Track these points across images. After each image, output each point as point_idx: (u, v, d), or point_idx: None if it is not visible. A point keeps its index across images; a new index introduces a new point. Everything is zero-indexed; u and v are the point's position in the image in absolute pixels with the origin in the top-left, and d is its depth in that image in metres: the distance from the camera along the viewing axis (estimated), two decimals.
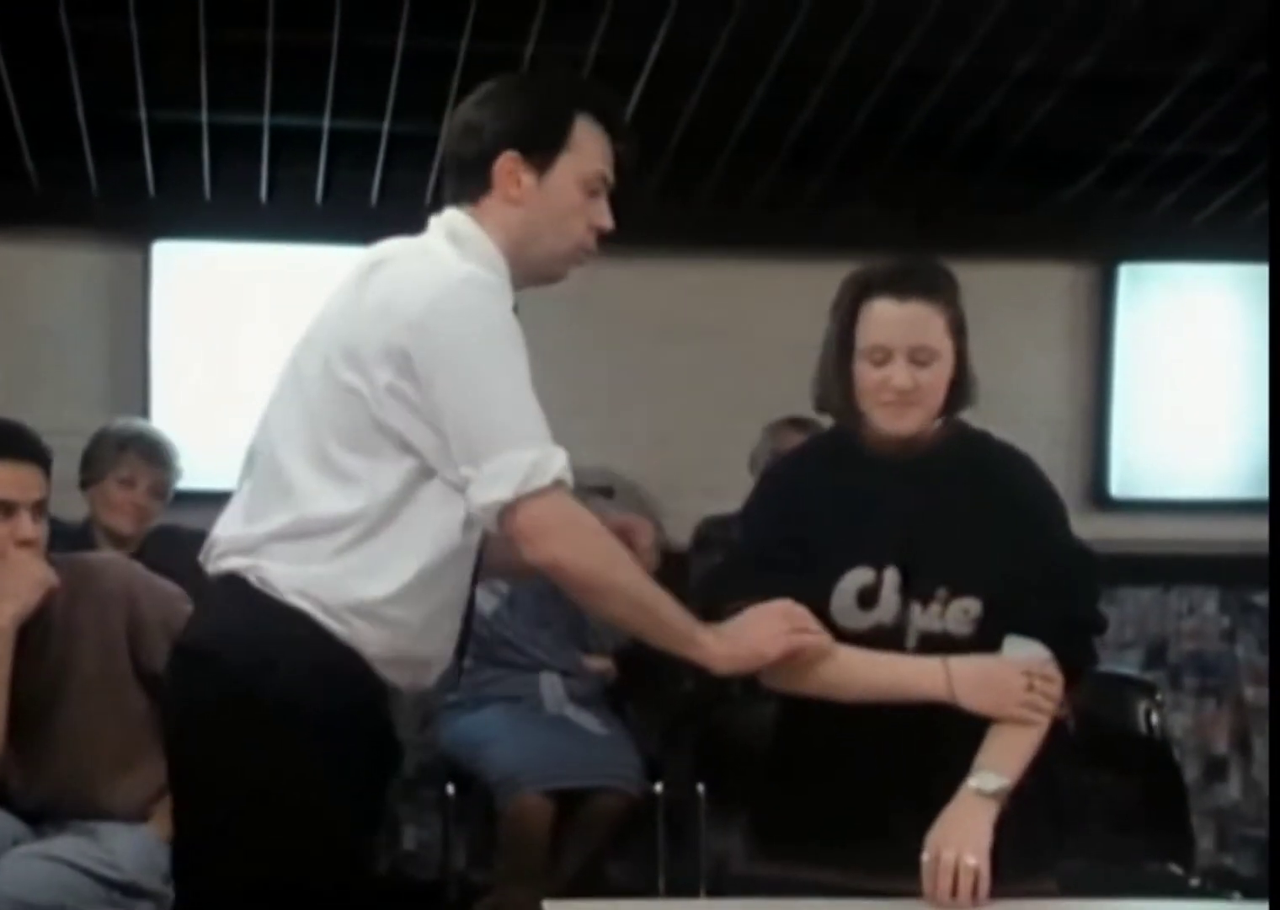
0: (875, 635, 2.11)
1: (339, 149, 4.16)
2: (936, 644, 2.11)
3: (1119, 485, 4.80)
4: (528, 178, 2.09)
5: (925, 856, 2.00)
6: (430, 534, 2.02)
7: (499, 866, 3.91)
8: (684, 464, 4.43)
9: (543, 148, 2.10)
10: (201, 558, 2.12)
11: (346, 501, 2.01)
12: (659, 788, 3.97)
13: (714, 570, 2.24)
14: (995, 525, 2.13)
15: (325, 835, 2.00)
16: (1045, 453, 4.82)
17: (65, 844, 2.71)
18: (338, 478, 2.01)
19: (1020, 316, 4.77)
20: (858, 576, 2.11)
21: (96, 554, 3.37)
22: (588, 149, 2.12)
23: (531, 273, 2.14)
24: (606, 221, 2.15)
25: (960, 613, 2.12)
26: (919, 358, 2.10)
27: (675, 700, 4.11)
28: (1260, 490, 4.72)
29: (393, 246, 2.11)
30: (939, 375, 2.11)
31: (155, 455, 3.80)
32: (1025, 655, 2.12)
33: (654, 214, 4.44)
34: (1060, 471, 4.76)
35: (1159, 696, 3.64)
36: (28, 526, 2.70)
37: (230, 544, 2.07)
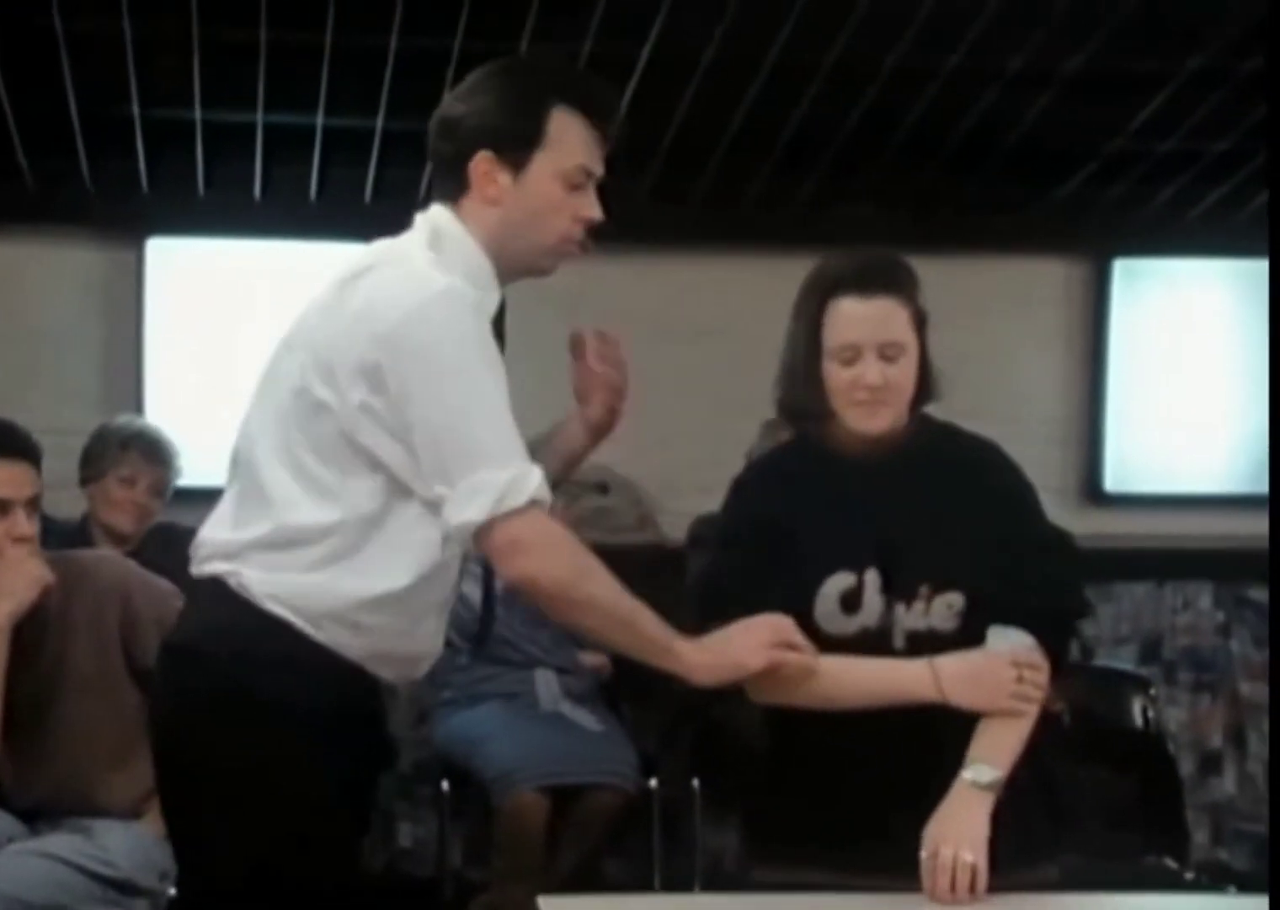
0: (861, 638, 2.11)
1: (333, 146, 4.16)
2: (924, 641, 2.11)
3: (1114, 481, 4.81)
4: (504, 177, 2.05)
5: (924, 853, 2.00)
6: (412, 553, 2.02)
7: (495, 863, 3.91)
8: (680, 462, 4.44)
9: (517, 146, 2.05)
10: (191, 555, 2.13)
11: (324, 513, 2.00)
12: (654, 784, 3.97)
13: (692, 588, 2.23)
14: (971, 517, 2.13)
15: (312, 831, 2.00)
16: (1040, 448, 4.90)
17: (60, 841, 2.72)
18: (314, 487, 2.01)
19: (1015, 313, 4.78)
20: (839, 581, 2.11)
21: (90, 551, 3.37)
22: (567, 142, 2.06)
23: (517, 268, 2.12)
24: (594, 213, 2.10)
25: (944, 608, 2.12)
26: (887, 353, 2.09)
27: (671, 697, 4.10)
28: (1255, 485, 4.73)
29: (373, 254, 2.08)
30: (906, 371, 2.11)
31: (157, 454, 3.81)
32: (1010, 645, 2.12)
33: (648, 213, 4.44)
34: (1055, 467, 4.82)
35: (1153, 691, 3.64)
36: (22, 524, 2.70)
37: (213, 548, 2.08)
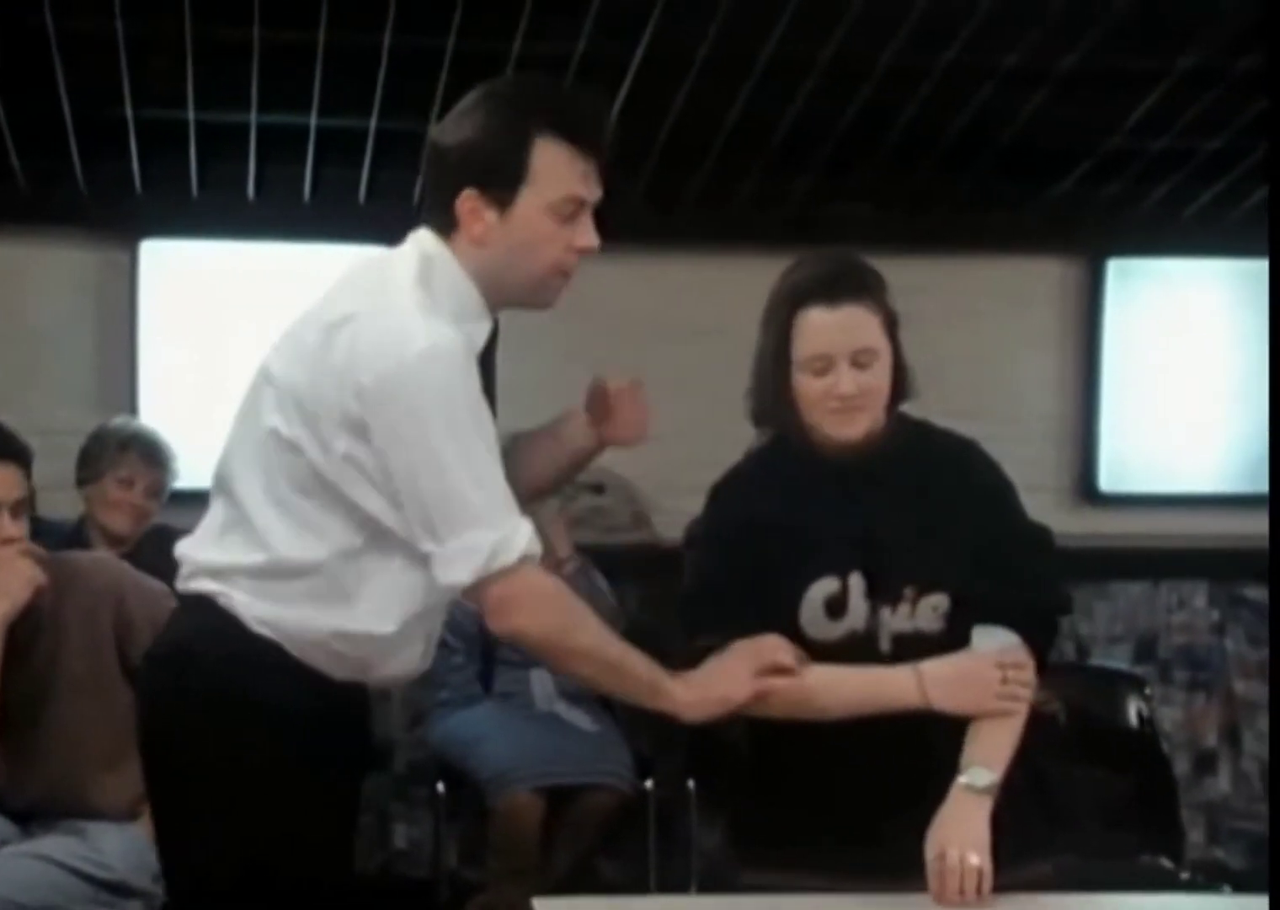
0: (848, 643, 2.10)
1: (326, 147, 4.15)
2: (911, 644, 2.11)
3: (1108, 480, 4.81)
4: (490, 214, 2.01)
5: (930, 856, 2.00)
6: (398, 599, 2.03)
7: (490, 864, 3.91)
8: (676, 461, 4.42)
9: (502, 183, 2.01)
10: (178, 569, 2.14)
11: (309, 549, 2.01)
12: (650, 785, 3.97)
13: (679, 601, 2.20)
14: (953, 516, 2.13)
15: (298, 832, 2.01)
16: (1035, 448, 4.91)
17: (54, 843, 2.71)
18: (298, 522, 2.01)
19: (1009, 312, 4.78)
20: (823, 586, 2.10)
21: (84, 553, 3.37)
22: (554, 174, 2.01)
23: (511, 301, 2.08)
24: (589, 241, 2.05)
25: (929, 610, 2.12)
26: (860, 360, 2.08)
27: None
28: (1249, 485, 4.74)
29: (359, 294, 2.03)
30: (880, 376, 2.10)
31: (155, 456, 3.81)
32: (996, 644, 2.12)
33: (643, 213, 4.44)
34: (1050, 466, 4.82)
35: (1148, 690, 3.65)
36: (8, 526, 2.70)
37: (197, 566, 2.09)
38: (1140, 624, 4.84)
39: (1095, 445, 4.81)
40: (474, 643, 3.97)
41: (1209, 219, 4.67)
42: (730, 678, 2.06)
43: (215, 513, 2.10)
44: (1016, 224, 4.68)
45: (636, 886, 3.93)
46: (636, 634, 2.17)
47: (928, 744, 2.08)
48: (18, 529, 2.72)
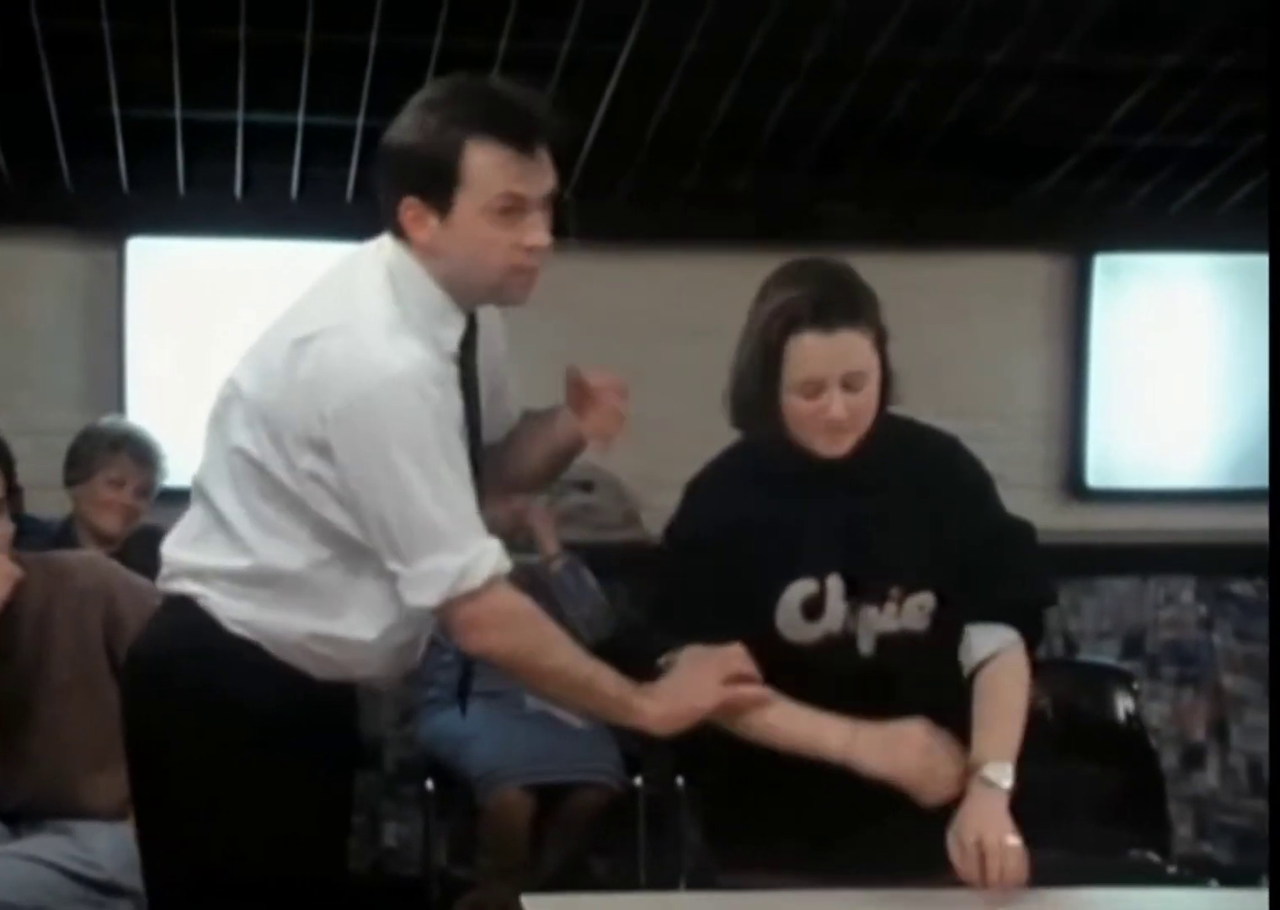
0: (825, 645, 2.10)
1: (313, 145, 4.15)
2: (895, 644, 2.11)
3: (1096, 476, 4.82)
4: (432, 221, 2.00)
5: (966, 842, 2.00)
6: (379, 605, 2.04)
7: (480, 862, 3.91)
8: (663, 459, 4.42)
9: (437, 189, 1.98)
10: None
11: (285, 557, 2.02)
12: (639, 782, 3.98)
13: (654, 603, 2.20)
14: (936, 513, 2.13)
15: (284, 832, 2.02)
16: (1023, 444, 4.91)
17: (43, 843, 2.71)
18: (274, 531, 2.02)
19: (996, 309, 4.79)
20: (800, 588, 2.09)
21: (73, 552, 3.36)
22: (487, 174, 1.97)
23: (479, 301, 2.07)
24: (536, 239, 2.00)
25: (916, 609, 2.12)
26: (850, 383, 2.06)
27: None
28: (1236, 480, 4.76)
29: (325, 311, 2.02)
30: (870, 395, 2.09)
31: (146, 456, 3.81)
32: (995, 642, 2.13)
33: (631, 211, 4.44)
34: (1037, 462, 4.83)
35: (1136, 686, 3.66)
36: None
37: (178, 567, 2.10)
38: (1128, 619, 4.85)
39: (1083, 441, 4.82)
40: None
41: (1195, 215, 4.68)
42: (696, 688, 2.06)
43: (195, 514, 2.11)
44: (1003, 221, 4.68)
45: (626, 884, 3.93)
46: (626, 631, 2.18)
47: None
48: (1, 528, 2.72)
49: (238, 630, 2.03)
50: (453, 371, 2.04)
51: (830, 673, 2.11)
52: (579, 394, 2.20)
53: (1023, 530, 2.22)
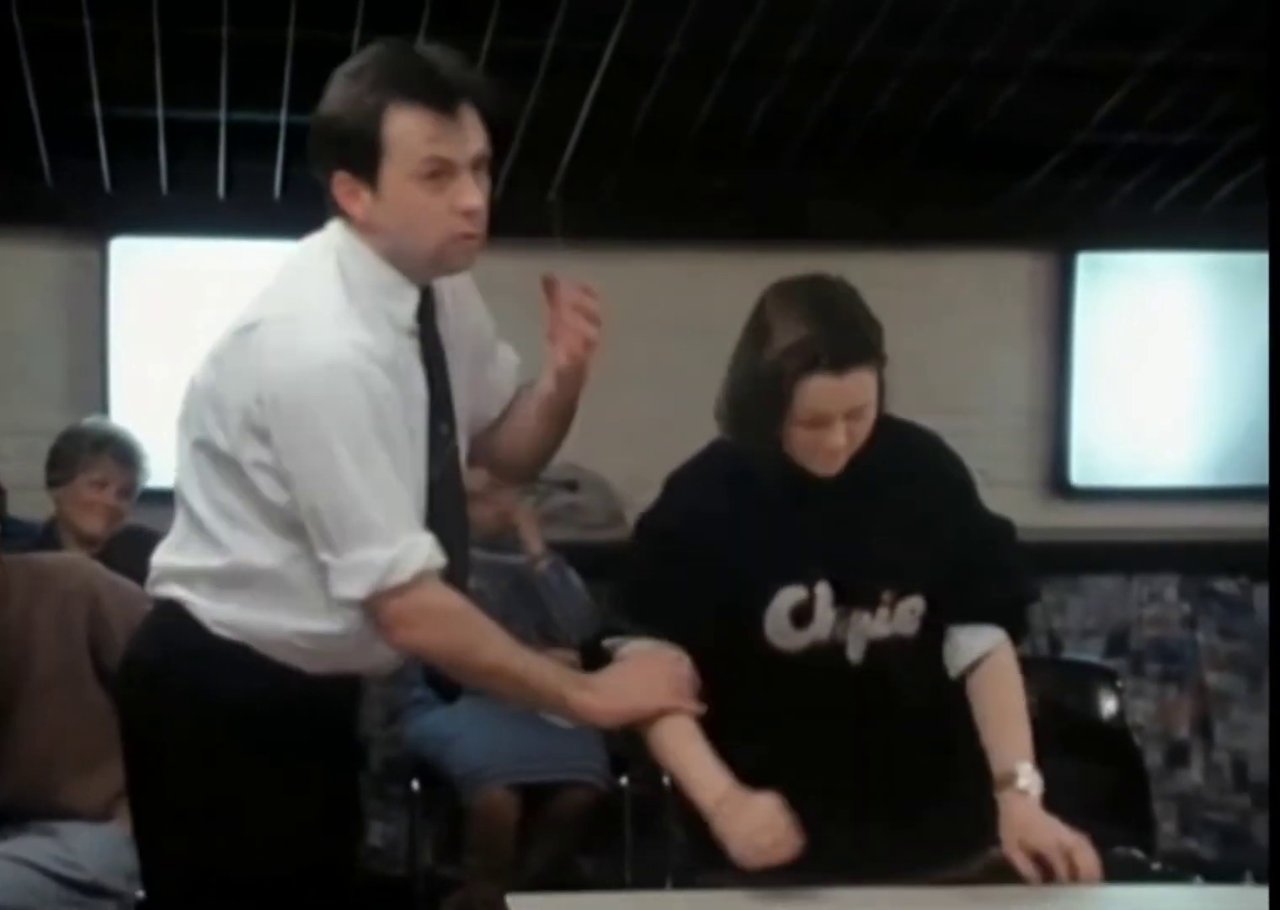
0: (812, 652, 2.09)
1: (297, 145, 4.13)
2: (886, 649, 2.11)
3: (1080, 474, 4.83)
4: (365, 194, 1.97)
5: (1029, 851, 1.99)
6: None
7: (466, 862, 3.90)
8: (649, 458, 4.41)
9: (363, 159, 1.95)
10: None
11: (258, 554, 2.01)
12: (625, 782, 3.97)
13: (629, 593, 2.16)
14: (924, 515, 2.12)
15: (271, 830, 2.02)
16: (1007, 442, 4.92)
17: (26, 844, 2.71)
18: (240, 526, 2.01)
19: (980, 306, 4.79)
20: (790, 595, 2.08)
21: (57, 554, 3.35)
22: (409, 140, 1.93)
23: (425, 272, 2.02)
24: (468, 200, 1.95)
25: (907, 613, 2.11)
26: (854, 415, 2.04)
27: None
28: (1220, 479, 4.78)
29: (270, 298, 2.01)
30: (869, 418, 2.07)
31: (129, 457, 3.79)
32: (985, 642, 2.14)
33: (616, 208, 4.44)
34: (1022, 460, 4.84)
35: (1120, 683, 3.67)
36: None
37: (163, 571, 2.10)
38: (1112, 617, 4.86)
39: (1067, 439, 4.82)
40: None
41: (1178, 213, 4.69)
42: (643, 689, 2.04)
43: (179, 518, 2.11)
44: (987, 218, 4.69)
45: (612, 883, 3.93)
46: (611, 632, 2.16)
47: (888, 750, 2.09)
48: None
49: (223, 632, 2.02)
50: (410, 345, 2.01)
51: (818, 681, 2.09)
52: (551, 301, 2.11)
53: (1004, 528, 2.22)
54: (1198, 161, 4.44)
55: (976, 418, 4.51)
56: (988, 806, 2.07)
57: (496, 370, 2.21)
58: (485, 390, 2.18)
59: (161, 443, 3.91)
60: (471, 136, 1.96)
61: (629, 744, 4.15)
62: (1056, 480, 4.83)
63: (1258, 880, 2.95)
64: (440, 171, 1.94)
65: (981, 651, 2.15)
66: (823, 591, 2.09)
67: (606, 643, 2.12)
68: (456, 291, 2.12)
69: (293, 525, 1.99)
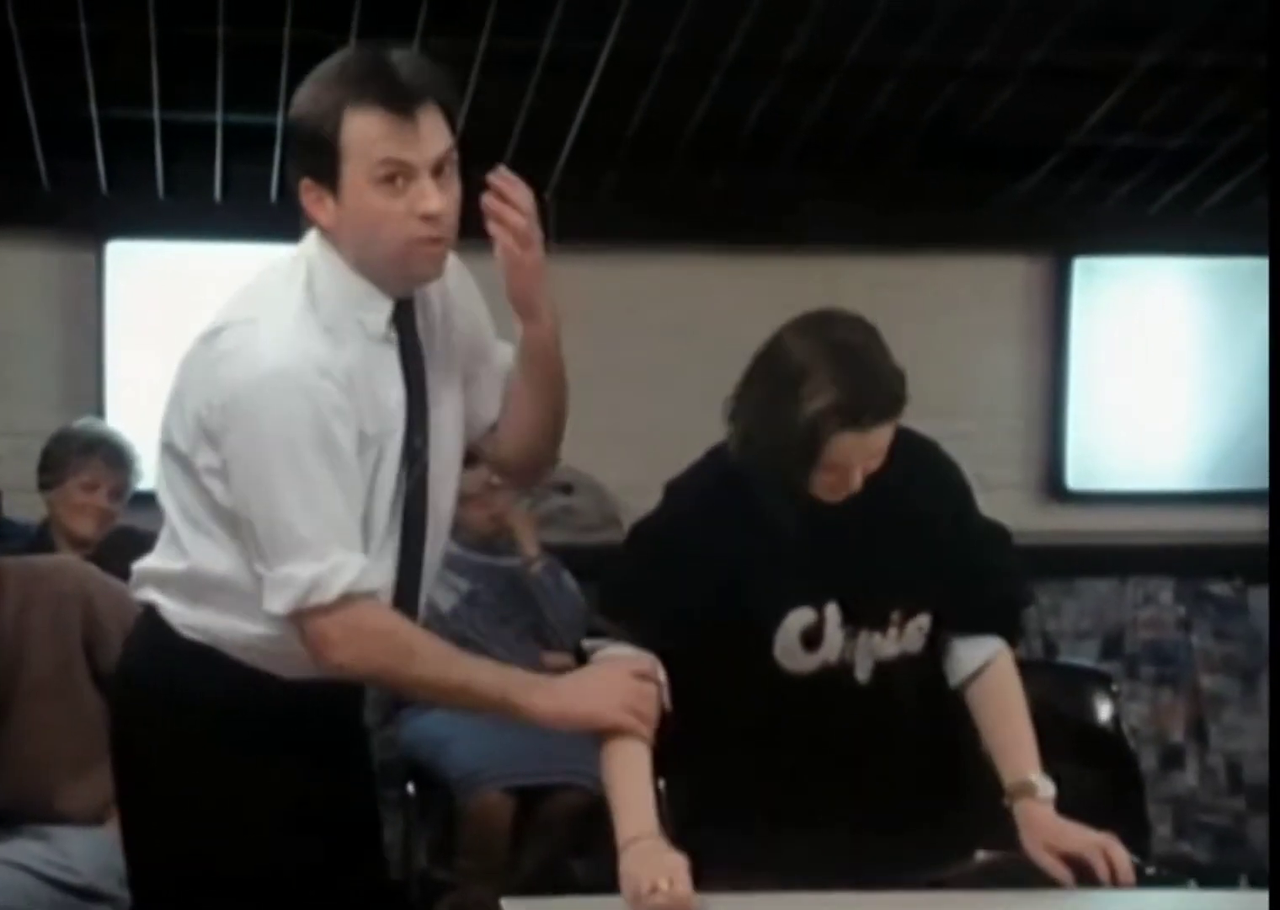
0: (822, 674, 2.08)
1: None
2: (893, 668, 2.10)
3: (1075, 478, 4.83)
4: (329, 202, 1.94)
5: (1059, 854, 2.01)
6: None
7: (461, 864, 3.90)
8: (644, 460, 4.43)
9: (324, 164, 1.92)
10: None
11: (216, 560, 2.00)
12: None
13: (619, 586, 2.14)
14: (924, 526, 2.11)
15: (250, 831, 2.02)
16: (1002, 446, 4.92)
17: (20, 848, 2.70)
18: (202, 531, 2.01)
19: (976, 310, 4.80)
20: (800, 617, 2.06)
21: (50, 557, 3.35)
22: (365, 143, 1.89)
23: (394, 281, 1.98)
24: (426, 205, 1.90)
25: (916, 631, 2.11)
26: (873, 457, 2.03)
27: None
28: (1214, 482, 4.79)
29: (237, 304, 2.01)
30: (884, 454, 2.04)
31: (120, 459, 3.78)
32: (985, 654, 2.14)
33: (612, 210, 4.44)
34: (1017, 464, 4.84)
35: (1115, 687, 3.66)
36: None
37: (139, 575, 2.10)
38: (1107, 620, 4.86)
39: (1062, 443, 4.83)
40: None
41: (1172, 217, 4.69)
42: (601, 695, 2.00)
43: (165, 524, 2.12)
44: (982, 222, 4.70)
45: (607, 887, 3.92)
46: (595, 633, 2.15)
47: (893, 765, 2.10)
48: None
49: (194, 636, 2.02)
50: (385, 354, 1.99)
51: (824, 701, 2.08)
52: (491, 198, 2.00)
53: (1000, 534, 2.22)
54: (1193, 164, 4.45)
55: (972, 421, 4.52)
56: (984, 811, 2.08)
57: (494, 371, 2.18)
58: (483, 392, 2.16)
59: (156, 445, 3.95)
60: (431, 139, 1.92)
61: None
62: (1052, 483, 4.83)
63: (1253, 884, 2.96)
64: (397, 174, 1.91)
65: (982, 661, 2.15)
66: (832, 613, 2.07)
67: (586, 644, 2.11)
68: (453, 294, 2.10)
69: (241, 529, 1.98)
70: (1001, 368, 4.84)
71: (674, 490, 2.17)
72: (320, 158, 1.92)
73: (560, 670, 4.07)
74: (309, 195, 1.96)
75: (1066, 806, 2.11)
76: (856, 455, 2.01)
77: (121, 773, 2.12)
